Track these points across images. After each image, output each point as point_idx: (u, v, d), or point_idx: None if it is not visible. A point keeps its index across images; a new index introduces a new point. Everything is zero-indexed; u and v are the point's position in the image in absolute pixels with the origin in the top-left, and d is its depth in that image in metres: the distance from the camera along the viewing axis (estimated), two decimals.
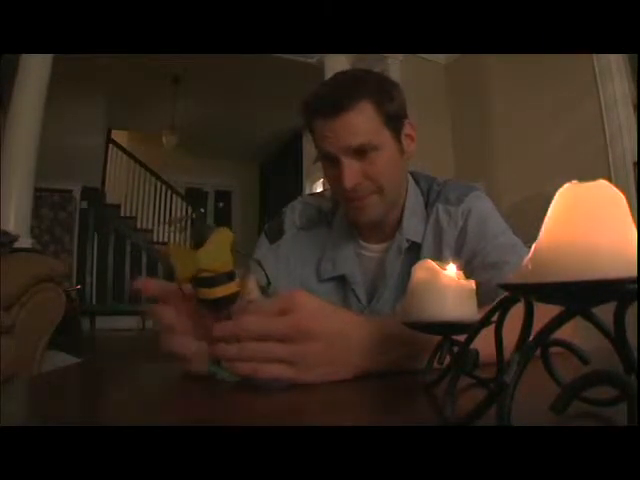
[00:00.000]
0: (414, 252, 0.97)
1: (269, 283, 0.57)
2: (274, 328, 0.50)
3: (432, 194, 1.01)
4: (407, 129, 0.96)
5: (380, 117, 0.89)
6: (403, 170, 0.99)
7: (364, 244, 1.03)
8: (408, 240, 0.98)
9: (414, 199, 1.01)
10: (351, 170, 0.88)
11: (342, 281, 1.01)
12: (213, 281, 0.50)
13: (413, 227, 0.98)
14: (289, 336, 0.49)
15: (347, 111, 0.86)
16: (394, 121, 0.92)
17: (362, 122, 0.87)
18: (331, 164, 0.91)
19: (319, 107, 0.89)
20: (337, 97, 0.87)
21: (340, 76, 0.95)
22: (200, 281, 0.50)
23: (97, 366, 0.91)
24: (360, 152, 0.88)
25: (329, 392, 0.50)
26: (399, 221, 0.99)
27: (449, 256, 0.92)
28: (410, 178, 1.03)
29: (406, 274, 0.90)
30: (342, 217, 1.04)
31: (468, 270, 0.88)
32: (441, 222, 0.97)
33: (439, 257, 0.90)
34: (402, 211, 0.99)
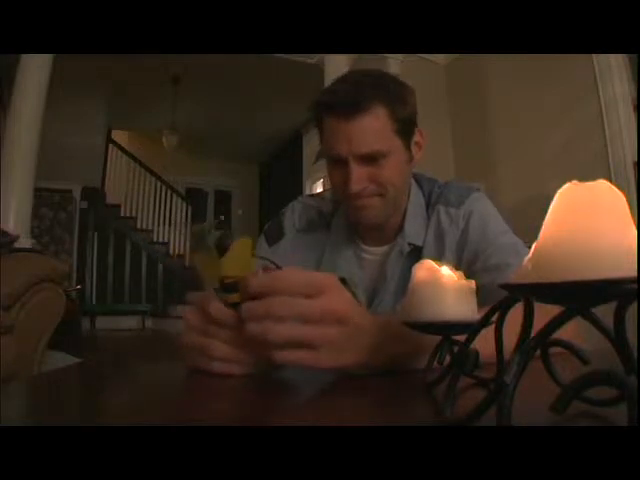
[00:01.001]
0: (415, 255, 0.96)
1: None
2: (307, 310, 0.50)
3: (433, 196, 1.00)
4: (417, 137, 0.95)
5: (393, 123, 0.87)
6: (408, 176, 0.98)
7: (364, 247, 1.02)
8: (410, 244, 0.97)
9: (416, 202, 1.00)
10: (359, 175, 0.87)
11: (342, 284, 0.99)
12: (236, 286, 0.53)
13: (415, 230, 0.97)
14: (322, 317, 0.50)
15: (362, 114, 0.84)
16: (406, 128, 0.90)
17: (375, 128, 0.86)
18: (337, 165, 0.90)
19: (334, 105, 0.87)
20: (353, 97, 0.85)
21: (357, 76, 0.92)
22: (224, 287, 0.54)
23: (97, 366, 0.91)
24: (369, 158, 0.87)
25: (329, 392, 0.50)
26: (400, 224, 0.99)
27: (450, 258, 0.93)
28: (412, 181, 1.02)
29: (407, 277, 0.88)
30: (342, 219, 1.03)
31: (470, 273, 0.88)
32: (442, 224, 0.96)
33: (440, 259, 0.87)
34: (404, 214, 0.99)
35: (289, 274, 0.52)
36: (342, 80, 0.92)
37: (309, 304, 0.50)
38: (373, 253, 1.02)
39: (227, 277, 0.54)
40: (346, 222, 1.02)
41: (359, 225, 0.99)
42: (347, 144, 0.86)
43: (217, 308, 0.54)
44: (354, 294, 0.97)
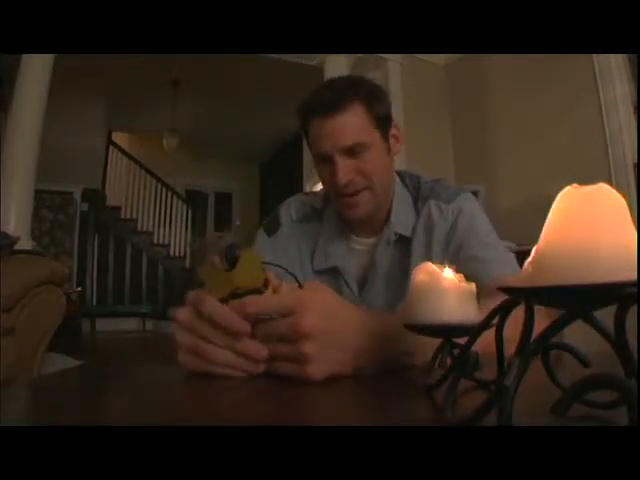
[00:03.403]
0: (403, 245, 1.04)
1: (300, 286, 0.62)
2: (275, 330, 0.54)
3: (423, 190, 1.07)
4: (393, 130, 1.04)
5: (370, 118, 0.97)
6: (390, 167, 1.06)
7: (355, 238, 1.10)
8: (396, 233, 1.04)
9: (401, 196, 1.08)
10: (345, 167, 0.95)
11: (335, 272, 1.08)
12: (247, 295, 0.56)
13: (401, 221, 1.05)
14: (289, 337, 0.53)
15: (342, 111, 0.94)
16: (382, 122, 1.00)
17: (355, 123, 0.95)
18: (325, 163, 0.98)
19: (316, 107, 0.96)
20: (333, 98, 0.95)
21: (335, 81, 1.03)
22: (237, 297, 0.56)
23: (97, 368, 0.91)
24: (352, 151, 0.96)
25: (329, 393, 0.50)
26: (387, 216, 1.06)
27: (438, 250, 1.00)
28: (396, 176, 1.10)
29: (395, 265, 1.03)
30: (333, 213, 1.11)
31: (453, 262, 0.91)
32: (433, 217, 1.03)
33: (429, 251, 1.00)
34: (389, 207, 1.06)
35: (259, 299, 0.56)
36: (322, 85, 1.03)
37: (276, 324, 0.54)
38: (362, 244, 1.10)
39: (239, 288, 0.56)
40: (337, 216, 1.10)
41: (349, 220, 1.07)
42: (331, 140, 0.95)
43: (212, 305, 0.55)
44: (346, 282, 1.06)
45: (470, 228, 1.00)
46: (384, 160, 1.02)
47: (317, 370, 0.52)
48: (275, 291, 0.60)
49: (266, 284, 0.59)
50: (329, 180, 0.99)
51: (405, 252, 1.03)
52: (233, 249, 0.56)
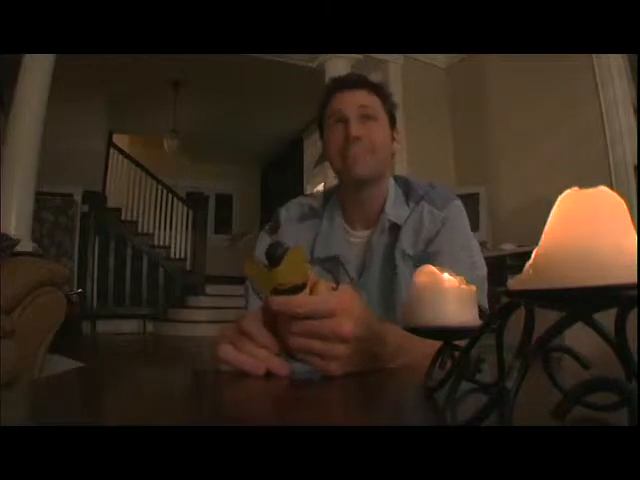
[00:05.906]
0: (395, 233, 1.14)
1: (337, 284, 0.67)
2: (316, 329, 0.61)
3: (416, 190, 1.18)
4: (394, 133, 1.20)
5: (383, 106, 1.15)
6: (390, 154, 1.19)
7: (352, 232, 1.20)
8: (390, 221, 1.15)
9: (394, 192, 1.19)
10: (357, 126, 1.11)
11: (335, 261, 1.17)
12: (289, 292, 0.60)
13: (394, 212, 1.16)
14: (328, 337, 0.60)
15: (364, 88, 1.14)
16: (390, 116, 1.18)
17: (373, 99, 1.14)
18: (339, 125, 1.13)
19: (343, 82, 1.17)
20: (359, 78, 1.18)
21: (359, 73, 1.27)
22: (278, 293, 0.60)
23: (98, 370, 0.91)
24: (366, 117, 1.12)
25: (331, 393, 0.50)
26: (382, 207, 1.17)
27: (420, 248, 1.11)
28: (391, 178, 1.22)
29: (388, 252, 1.13)
30: (332, 210, 1.22)
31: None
32: (424, 219, 1.13)
33: (416, 244, 1.11)
34: (384, 202, 1.17)
35: (307, 300, 0.61)
36: (349, 73, 1.28)
37: (318, 324, 0.60)
38: (360, 236, 1.20)
39: (281, 284, 0.60)
40: (337, 210, 1.21)
41: (349, 178, 1.15)
42: (350, 105, 1.12)
43: (248, 321, 0.64)
44: (345, 270, 1.14)
45: (448, 241, 1.10)
46: (387, 140, 1.16)
47: (339, 368, 0.60)
48: (312, 288, 0.63)
49: (305, 282, 0.62)
50: (339, 141, 1.13)
51: (396, 239, 1.12)
52: (275, 248, 0.59)
